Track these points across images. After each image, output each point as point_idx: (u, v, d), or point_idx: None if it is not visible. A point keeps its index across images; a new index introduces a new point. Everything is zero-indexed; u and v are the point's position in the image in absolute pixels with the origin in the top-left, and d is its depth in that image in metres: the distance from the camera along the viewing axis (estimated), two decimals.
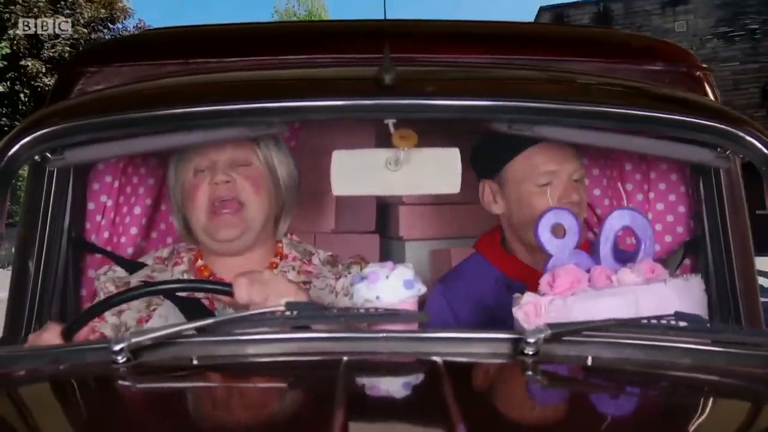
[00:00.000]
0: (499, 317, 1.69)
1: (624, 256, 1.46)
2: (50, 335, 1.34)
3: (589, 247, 1.51)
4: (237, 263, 1.61)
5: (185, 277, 1.64)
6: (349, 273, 1.66)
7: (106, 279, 1.66)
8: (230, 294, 1.38)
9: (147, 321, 1.54)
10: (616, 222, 1.45)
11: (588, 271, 1.39)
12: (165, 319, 1.53)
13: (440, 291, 1.79)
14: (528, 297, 1.35)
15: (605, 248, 1.43)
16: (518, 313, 1.33)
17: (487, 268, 1.78)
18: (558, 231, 1.46)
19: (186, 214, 1.65)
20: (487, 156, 1.74)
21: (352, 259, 1.72)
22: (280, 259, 1.69)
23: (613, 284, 1.36)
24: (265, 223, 1.65)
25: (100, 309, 1.42)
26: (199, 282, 1.51)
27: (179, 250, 1.71)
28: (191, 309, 1.47)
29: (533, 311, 1.32)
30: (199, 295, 1.55)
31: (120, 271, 1.68)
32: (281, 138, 1.71)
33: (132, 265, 1.71)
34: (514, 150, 1.69)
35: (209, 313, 1.50)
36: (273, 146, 1.67)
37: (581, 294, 1.34)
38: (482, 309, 1.73)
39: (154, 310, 1.56)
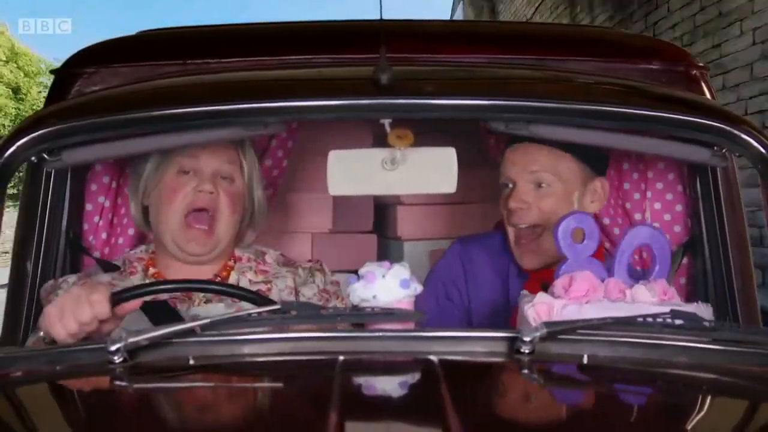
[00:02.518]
0: (507, 297, 1.71)
1: (636, 272, 1.46)
2: (99, 298, 1.29)
3: (599, 254, 1.51)
4: (191, 271, 1.63)
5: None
6: (314, 280, 1.68)
7: (63, 292, 1.55)
8: (254, 302, 1.39)
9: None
10: (635, 237, 1.43)
11: (602, 281, 1.39)
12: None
13: (458, 251, 1.81)
14: (541, 297, 1.34)
15: (621, 262, 1.42)
16: (529, 311, 1.32)
17: (505, 248, 1.77)
18: (577, 236, 1.45)
19: (156, 210, 1.64)
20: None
21: (312, 264, 1.73)
22: (234, 262, 1.69)
23: (626, 298, 1.35)
24: (231, 239, 1.66)
25: (152, 289, 1.39)
26: (237, 289, 1.50)
27: (130, 259, 1.68)
28: (156, 312, 1.47)
29: (545, 312, 1.31)
30: (164, 296, 1.53)
31: (73, 281, 1.60)
32: (256, 158, 1.72)
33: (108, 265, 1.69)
34: (503, 149, 1.72)
35: (174, 313, 1.50)
36: (255, 166, 1.69)
37: (596, 303, 1.32)
38: (493, 285, 1.74)
39: None
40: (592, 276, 1.37)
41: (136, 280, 1.63)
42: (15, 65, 22.41)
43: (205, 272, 1.64)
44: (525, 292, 1.40)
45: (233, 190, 1.64)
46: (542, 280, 1.68)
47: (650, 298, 1.34)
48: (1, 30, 21.31)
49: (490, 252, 1.79)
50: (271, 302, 1.41)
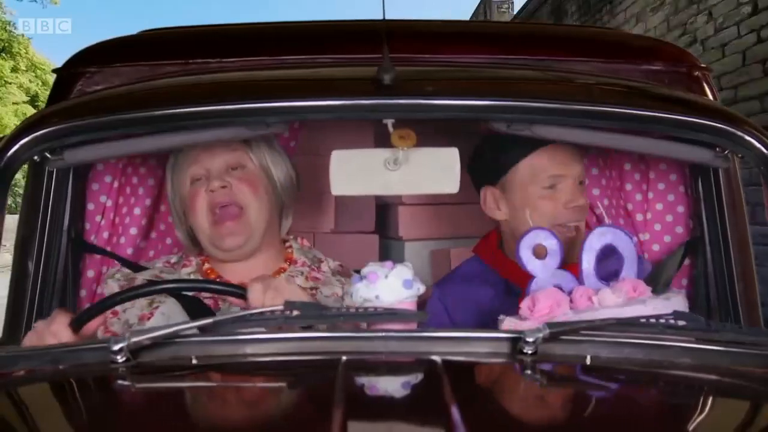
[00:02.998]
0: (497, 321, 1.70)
1: (609, 272, 1.45)
2: (58, 326, 1.33)
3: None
4: (244, 267, 1.63)
5: (193, 277, 1.65)
6: None
7: (113, 281, 1.65)
8: (240, 296, 1.39)
9: (149, 318, 1.55)
10: (596, 240, 1.43)
11: (571, 292, 1.39)
12: (167, 317, 1.53)
13: (437, 295, 1.78)
14: (509, 321, 1.35)
15: (587, 267, 1.42)
16: None
17: (487, 272, 1.78)
18: (539, 252, 1.45)
19: (189, 225, 1.66)
20: (488, 162, 1.72)
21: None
22: (290, 264, 1.70)
23: (593, 305, 1.35)
24: (267, 224, 1.65)
25: (108, 304, 1.41)
26: (210, 282, 1.51)
27: (188, 254, 1.72)
28: (195, 308, 1.48)
29: None
30: (205, 294, 1.55)
31: (129, 272, 1.67)
32: (274, 138, 1.71)
33: (132, 265, 1.71)
34: (519, 154, 1.68)
35: (212, 314, 1.50)
36: (265, 147, 1.67)
37: (560, 318, 1.33)
38: (480, 312, 1.72)
39: (156, 307, 1.56)
40: (555, 291, 1.37)
41: (185, 273, 1.65)
42: (33, 74, 24.45)
43: (259, 267, 1.63)
44: (501, 317, 1.40)
45: (246, 175, 1.63)
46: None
47: (616, 300, 1.34)
48: (25, 45, 22.95)
49: (470, 282, 1.77)
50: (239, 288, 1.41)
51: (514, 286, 1.70)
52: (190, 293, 1.51)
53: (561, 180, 1.67)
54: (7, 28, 21.80)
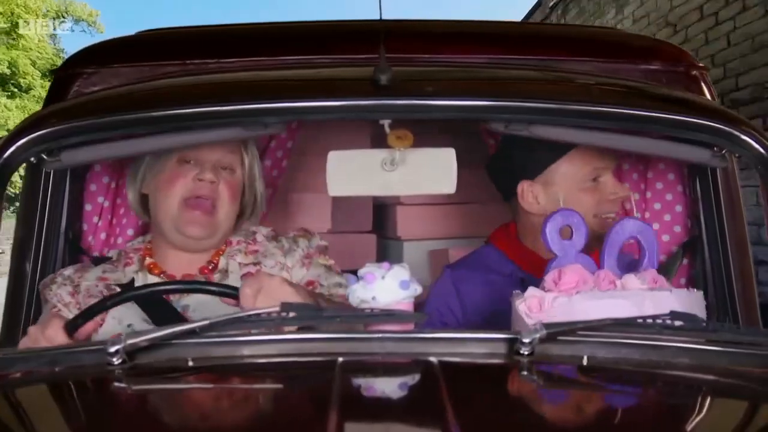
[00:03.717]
0: (508, 309, 1.70)
1: (628, 265, 1.46)
2: (53, 331, 1.33)
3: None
4: (188, 258, 1.64)
5: (138, 276, 1.64)
6: (297, 247, 1.68)
7: (59, 287, 1.60)
8: (234, 297, 1.39)
9: (101, 325, 1.53)
10: (623, 231, 1.44)
11: (592, 274, 1.39)
12: (118, 320, 1.53)
13: (449, 276, 1.79)
14: (532, 291, 1.34)
15: (610, 255, 1.42)
16: (521, 306, 1.32)
17: (502, 260, 1.78)
18: (565, 233, 1.45)
19: (155, 197, 1.64)
20: (527, 157, 1.72)
21: (296, 233, 1.74)
22: (226, 246, 1.69)
23: (617, 288, 1.35)
24: (228, 229, 1.67)
25: (103, 307, 1.42)
26: (205, 284, 1.51)
27: (127, 251, 1.70)
28: (154, 307, 1.48)
29: (537, 306, 1.32)
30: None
31: (69, 275, 1.63)
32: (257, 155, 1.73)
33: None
34: (562, 149, 1.69)
35: (174, 310, 1.52)
36: (255, 159, 1.69)
37: (587, 293, 1.33)
38: (491, 299, 1.72)
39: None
40: (582, 269, 1.37)
41: (130, 271, 1.64)
42: None
43: (201, 260, 1.65)
44: (517, 291, 1.40)
45: (233, 180, 1.64)
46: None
47: (641, 285, 1.34)
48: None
49: (485, 269, 1.78)
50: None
51: (529, 277, 1.70)
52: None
53: (603, 172, 1.69)
54: (61, 55, 24.74)
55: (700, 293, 1.39)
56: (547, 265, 1.43)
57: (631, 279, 1.35)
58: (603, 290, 1.34)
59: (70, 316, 1.47)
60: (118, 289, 1.58)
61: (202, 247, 1.64)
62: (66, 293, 1.58)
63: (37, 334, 1.34)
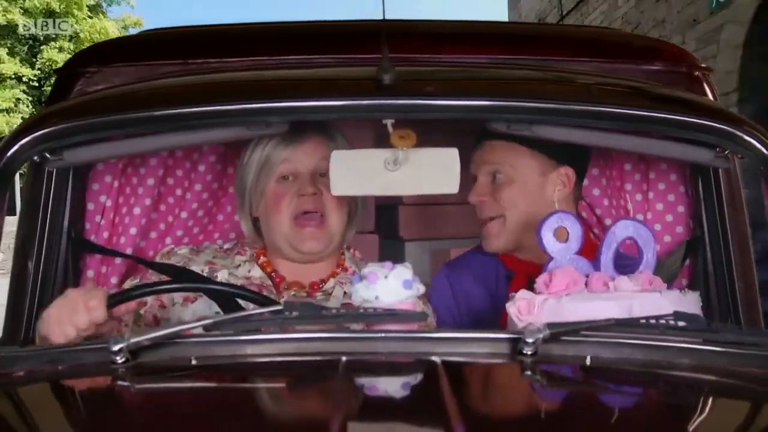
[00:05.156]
0: (499, 308, 1.71)
1: (625, 266, 1.46)
2: (96, 302, 1.31)
3: (590, 251, 1.51)
4: (301, 268, 1.67)
5: (245, 265, 1.68)
6: None
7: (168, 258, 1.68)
8: (259, 302, 1.40)
9: (193, 302, 1.59)
10: (619, 232, 1.44)
11: (586, 276, 1.39)
12: (209, 305, 1.56)
13: (445, 274, 1.83)
14: (522, 294, 1.35)
15: (606, 257, 1.43)
16: (511, 308, 1.33)
17: (492, 260, 1.80)
18: (561, 234, 1.46)
19: (266, 220, 1.67)
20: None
21: None
22: (341, 270, 1.72)
23: (609, 290, 1.36)
24: (342, 236, 1.69)
25: (147, 291, 1.44)
26: (247, 291, 1.51)
27: (243, 243, 1.74)
28: (228, 306, 1.49)
29: (526, 308, 1.32)
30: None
31: (185, 253, 1.71)
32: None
33: (137, 259, 1.74)
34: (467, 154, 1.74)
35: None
36: None
37: (575, 295, 1.33)
38: (482, 297, 1.76)
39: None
40: (573, 270, 1.37)
41: (240, 259, 1.68)
42: None
43: (318, 271, 1.68)
44: (512, 294, 1.41)
45: None
46: (528, 274, 1.68)
47: (633, 287, 1.34)
48: None
49: (477, 267, 1.81)
50: (274, 302, 1.42)
51: (512, 273, 1.75)
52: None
53: (477, 175, 1.75)
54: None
55: (696, 294, 1.39)
56: (544, 267, 1.44)
57: (623, 281, 1.36)
58: (593, 292, 1.35)
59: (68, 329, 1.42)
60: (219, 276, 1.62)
61: (318, 258, 1.67)
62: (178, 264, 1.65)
63: (77, 298, 1.32)
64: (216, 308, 1.51)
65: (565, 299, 1.32)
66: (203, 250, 1.73)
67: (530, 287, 1.48)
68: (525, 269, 1.72)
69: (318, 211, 1.63)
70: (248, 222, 1.72)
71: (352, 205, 1.73)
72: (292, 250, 1.65)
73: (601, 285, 1.36)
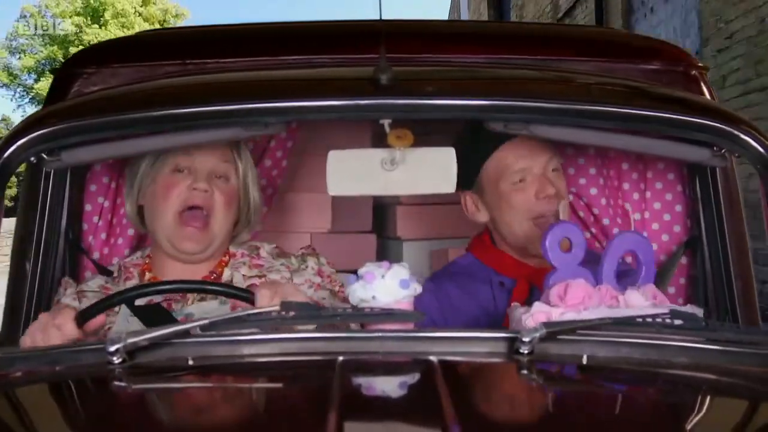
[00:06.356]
0: (492, 314, 1.70)
1: (624, 277, 1.46)
2: (63, 320, 1.33)
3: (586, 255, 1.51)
4: (187, 270, 1.63)
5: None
6: (306, 266, 1.68)
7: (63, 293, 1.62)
8: (248, 300, 1.39)
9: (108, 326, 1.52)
10: (620, 245, 1.44)
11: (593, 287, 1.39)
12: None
13: (431, 289, 1.77)
14: (539, 306, 1.34)
15: (609, 269, 1.42)
16: (528, 321, 1.31)
17: (481, 268, 1.78)
18: (564, 245, 1.45)
19: (150, 208, 1.64)
20: (460, 167, 1.73)
21: (304, 251, 1.73)
22: (229, 258, 1.69)
23: (620, 304, 1.36)
24: (226, 237, 1.66)
25: (114, 301, 1.42)
26: (218, 285, 1.50)
27: (126, 265, 1.69)
28: (148, 315, 1.47)
29: (544, 320, 1.31)
30: (158, 299, 1.54)
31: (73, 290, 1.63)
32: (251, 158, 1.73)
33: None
34: (484, 155, 1.70)
35: (172, 318, 1.49)
36: (250, 166, 1.69)
37: (594, 310, 1.32)
38: (473, 307, 1.73)
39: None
40: (587, 284, 1.37)
41: (130, 285, 1.62)
42: None
43: (201, 271, 1.65)
44: (515, 304, 1.40)
45: (228, 188, 1.64)
46: (529, 279, 1.68)
47: (644, 302, 1.34)
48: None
49: (464, 277, 1.78)
50: (245, 291, 1.42)
51: (507, 279, 1.72)
52: (143, 300, 1.49)
53: (527, 173, 1.68)
54: None
55: (700, 311, 1.39)
56: (546, 277, 1.44)
57: (634, 295, 1.36)
58: (607, 305, 1.35)
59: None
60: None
61: (198, 259, 1.64)
62: (71, 299, 1.59)
63: (47, 321, 1.35)
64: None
65: (585, 314, 1.30)
66: (93, 278, 1.67)
67: (531, 295, 1.48)
68: (525, 273, 1.71)
69: (205, 209, 1.60)
70: (133, 207, 1.67)
71: (249, 213, 1.71)
72: (170, 246, 1.62)
73: (610, 298, 1.36)
